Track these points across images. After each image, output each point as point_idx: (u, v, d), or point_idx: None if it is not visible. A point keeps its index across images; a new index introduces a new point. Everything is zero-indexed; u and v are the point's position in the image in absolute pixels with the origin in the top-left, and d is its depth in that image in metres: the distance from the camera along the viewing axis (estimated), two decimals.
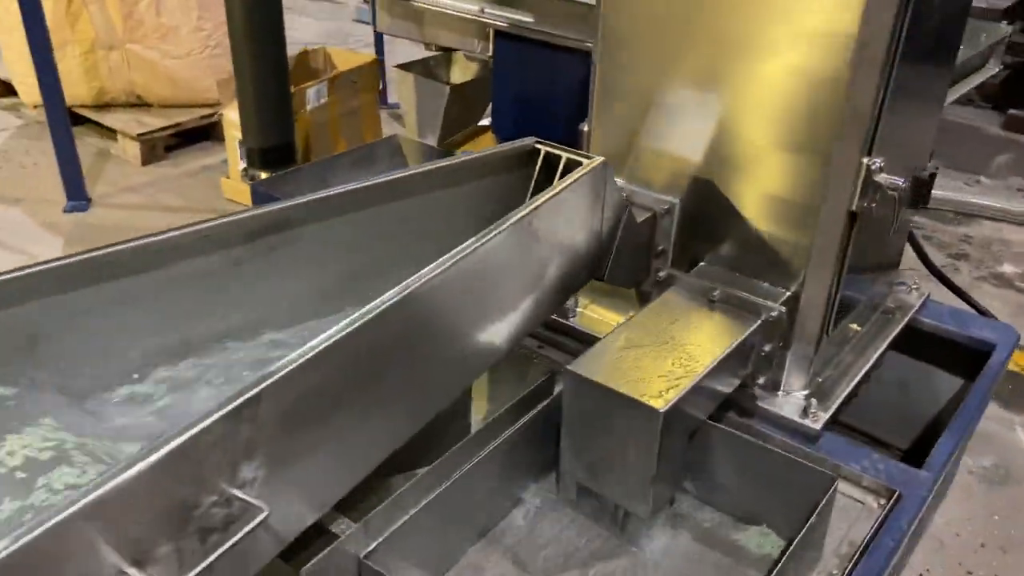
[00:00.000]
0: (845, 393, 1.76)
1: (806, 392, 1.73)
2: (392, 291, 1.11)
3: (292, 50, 4.16)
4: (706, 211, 1.71)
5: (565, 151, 1.57)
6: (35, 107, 4.31)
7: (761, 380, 1.63)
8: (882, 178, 1.51)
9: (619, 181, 1.78)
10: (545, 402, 1.52)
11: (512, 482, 1.52)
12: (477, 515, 1.47)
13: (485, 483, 1.45)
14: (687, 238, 1.76)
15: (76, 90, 4.19)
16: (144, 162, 4.10)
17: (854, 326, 1.89)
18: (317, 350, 0.99)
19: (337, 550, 1.19)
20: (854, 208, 1.55)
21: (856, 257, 1.70)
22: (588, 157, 1.53)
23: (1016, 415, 2.56)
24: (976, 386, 1.89)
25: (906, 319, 2.00)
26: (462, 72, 4.24)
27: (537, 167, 1.58)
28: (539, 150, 1.58)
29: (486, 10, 3.13)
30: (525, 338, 1.55)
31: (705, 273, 1.72)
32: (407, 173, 1.44)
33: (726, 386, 1.56)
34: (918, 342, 2.08)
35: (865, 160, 1.51)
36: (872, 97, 1.45)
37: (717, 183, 1.67)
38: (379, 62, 4.40)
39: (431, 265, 1.17)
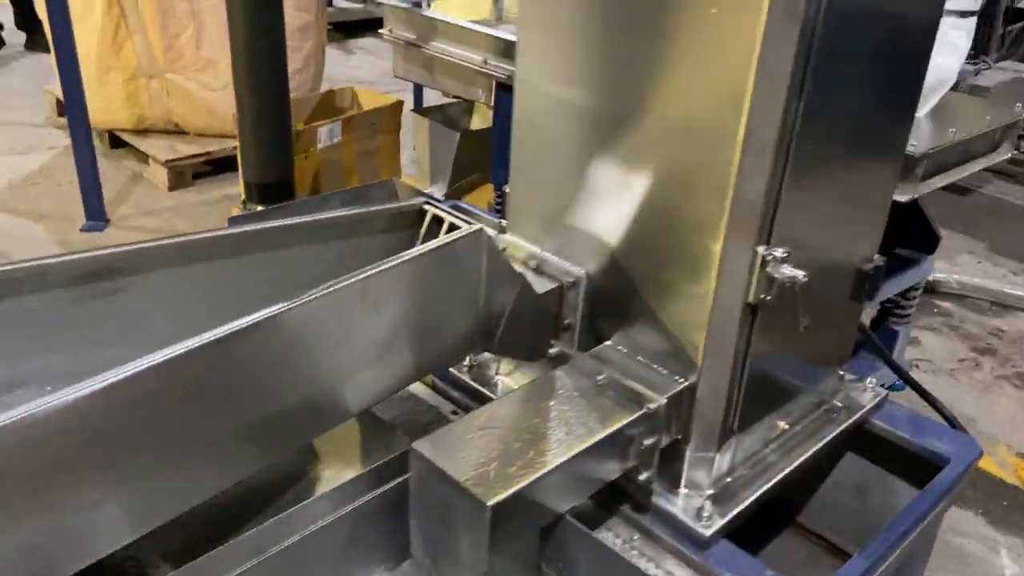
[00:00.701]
0: (752, 498, 1.61)
1: (709, 492, 1.59)
2: (187, 342, 1.06)
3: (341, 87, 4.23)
4: (613, 288, 1.60)
5: (451, 214, 1.50)
6: None
7: (643, 476, 1.50)
8: (780, 270, 1.38)
9: (529, 247, 1.70)
10: (402, 477, 1.44)
11: (356, 563, 1.44)
12: None
13: (319, 558, 1.37)
14: (595, 314, 1.65)
15: (117, 115, 4.36)
16: (171, 187, 4.21)
17: (782, 424, 1.74)
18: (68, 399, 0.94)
19: None
20: (751, 300, 1.42)
21: (778, 349, 1.57)
22: (469, 223, 1.45)
23: (1002, 535, 2.29)
24: (915, 503, 1.71)
25: (851, 420, 1.83)
26: (481, 120, 4.22)
27: (423, 229, 1.52)
28: (426, 211, 1.51)
29: (489, 61, 3.12)
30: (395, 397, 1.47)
31: (602, 354, 1.61)
32: (268, 225, 1.39)
33: (595, 479, 1.44)
34: (873, 446, 1.91)
35: (760, 250, 1.38)
36: (763, 186, 1.34)
37: (622, 260, 1.57)
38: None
39: (239, 321, 1.11)
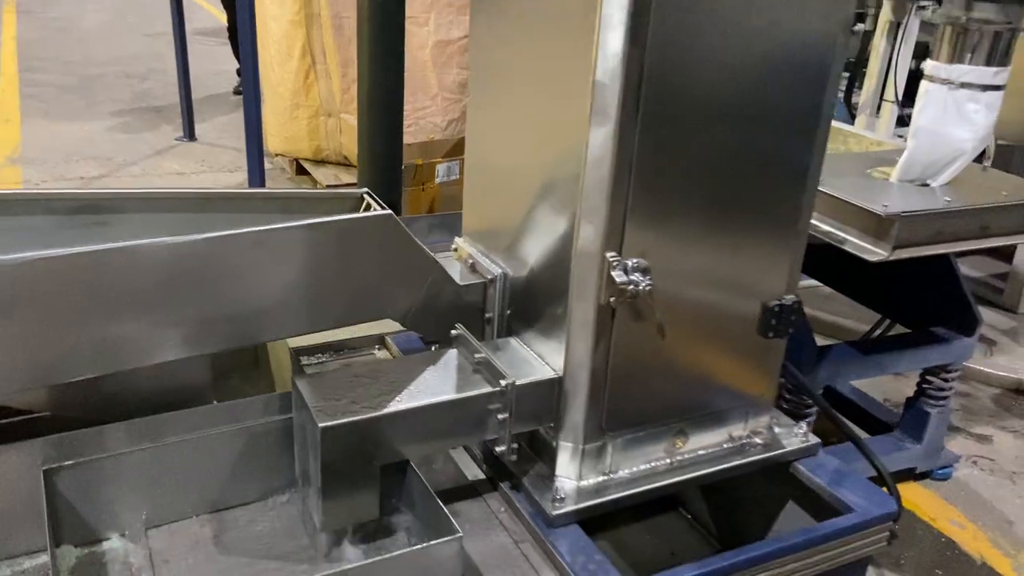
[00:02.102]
0: (615, 496, 1.72)
1: (576, 482, 1.73)
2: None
3: None
4: (523, 288, 1.81)
5: (377, 203, 1.79)
6: (276, 155, 5.28)
7: (499, 448, 1.67)
8: (621, 276, 1.54)
9: (469, 248, 1.95)
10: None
11: (251, 482, 1.72)
12: (207, 486, 1.69)
13: (213, 461, 1.67)
14: (513, 310, 1.86)
15: (301, 145, 5.07)
16: None
17: (679, 442, 1.83)
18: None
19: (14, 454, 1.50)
20: (601, 302, 1.58)
21: (649, 360, 1.70)
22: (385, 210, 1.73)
23: None
24: (798, 532, 1.73)
25: (761, 456, 1.88)
26: None
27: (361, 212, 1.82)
28: (364, 199, 1.82)
29: None
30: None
31: (498, 343, 1.82)
32: (232, 191, 1.76)
33: (444, 435, 1.64)
34: (794, 488, 1.93)
35: (608, 256, 1.55)
36: (604, 201, 1.51)
37: (528, 265, 1.77)
38: None
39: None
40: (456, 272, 1.90)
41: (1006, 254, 4.10)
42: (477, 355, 1.70)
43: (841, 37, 1.61)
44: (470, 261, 1.93)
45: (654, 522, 2.23)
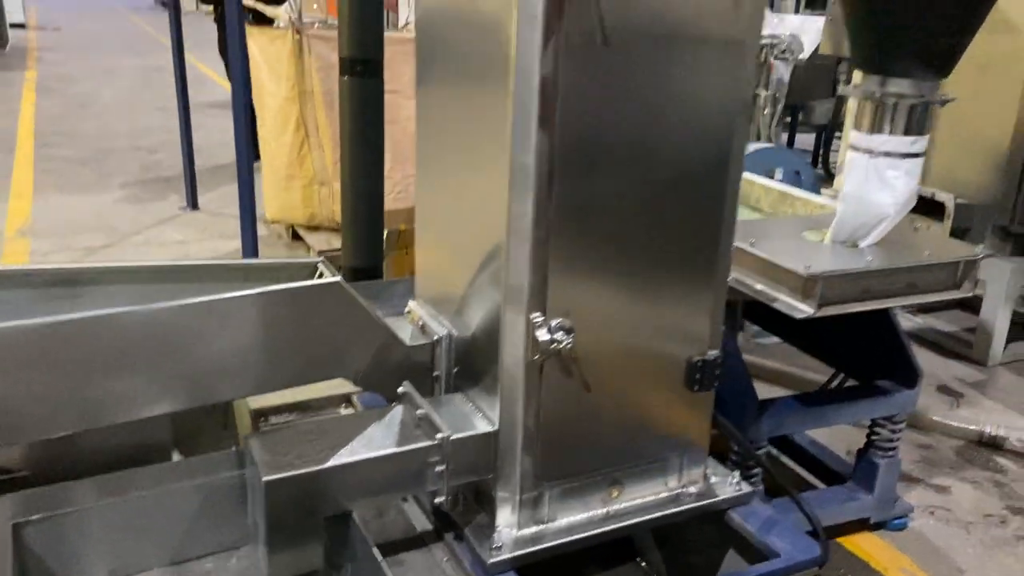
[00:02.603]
0: (552, 544, 1.83)
1: (515, 531, 1.84)
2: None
3: None
4: (468, 347, 1.95)
5: (329, 270, 1.95)
6: (273, 222, 5.50)
7: (438, 500, 1.79)
8: (544, 335, 1.68)
9: (420, 310, 2.09)
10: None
11: (219, 526, 1.85)
12: (169, 539, 1.81)
13: (180, 510, 1.80)
14: (459, 369, 2.00)
15: (296, 213, 5.29)
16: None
17: (615, 491, 1.94)
18: None
19: None
20: (528, 359, 1.71)
21: (579, 413, 1.82)
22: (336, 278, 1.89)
23: None
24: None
25: (694, 505, 1.99)
26: None
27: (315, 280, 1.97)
28: (318, 268, 1.98)
29: None
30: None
31: (443, 399, 1.95)
32: (189, 263, 1.92)
33: (386, 487, 1.77)
34: (728, 534, 2.03)
35: (532, 316, 1.69)
36: (527, 261, 1.66)
37: (471, 325, 1.92)
38: None
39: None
40: (407, 333, 2.05)
41: (975, 307, 4.21)
42: (419, 411, 1.83)
43: (741, 115, 1.78)
44: (421, 323, 2.08)
45: (615, 573, 2.32)
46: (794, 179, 4.45)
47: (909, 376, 2.60)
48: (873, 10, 2.21)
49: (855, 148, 2.35)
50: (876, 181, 2.31)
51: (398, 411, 1.88)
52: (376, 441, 1.77)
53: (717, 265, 1.86)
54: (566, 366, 1.75)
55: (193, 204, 6.17)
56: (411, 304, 2.16)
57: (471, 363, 1.94)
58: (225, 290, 1.75)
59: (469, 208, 1.86)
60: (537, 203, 1.63)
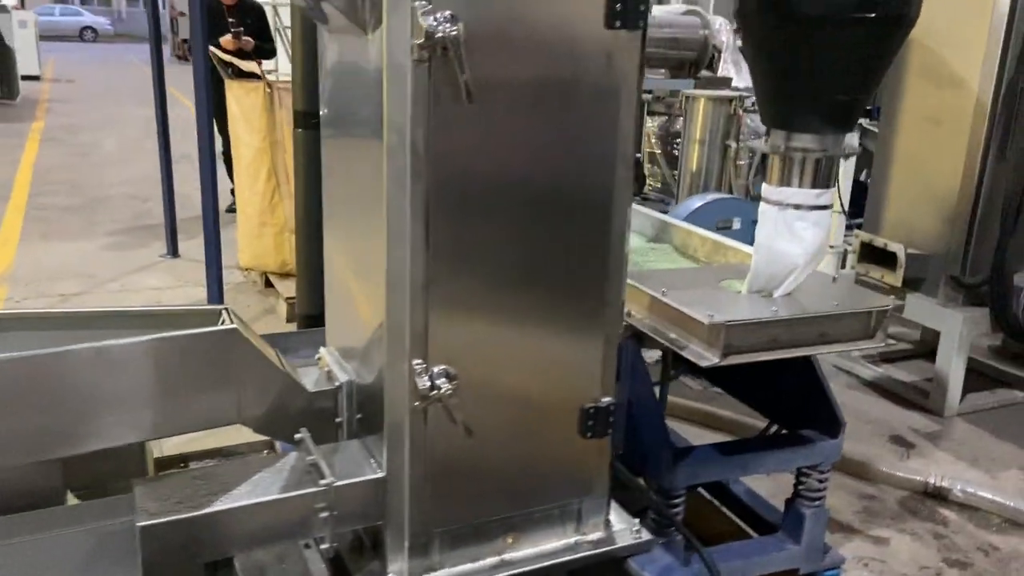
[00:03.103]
0: None
1: None
2: None
3: None
4: (366, 394, 1.99)
5: (233, 317, 1.99)
6: (247, 270, 5.59)
7: (324, 546, 1.81)
8: (424, 380, 1.71)
9: (328, 356, 2.14)
10: None
11: (108, 573, 1.86)
12: None
13: (67, 556, 1.82)
14: (362, 414, 2.03)
15: (268, 260, 5.38)
16: (288, 319, 5.07)
17: (510, 538, 1.95)
18: None
19: None
20: (410, 405, 1.75)
21: (468, 460, 1.85)
22: (232, 326, 1.93)
23: None
24: None
25: (591, 552, 2.00)
26: None
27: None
28: (221, 315, 2.03)
29: None
30: None
31: (334, 446, 1.98)
32: (88, 310, 1.97)
33: (271, 533, 1.79)
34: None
35: (414, 363, 1.73)
36: (406, 310, 1.70)
37: (367, 369, 1.96)
38: None
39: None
40: (313, 380, 2.09)
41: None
42: (309, 457, 1.86)
43: (622, 163, 1.83)
44: (327, 369, 2.12)
45: None
46: (752, 228, 4.49)
47: (831, 425, 2.61)
48: (774, 68, 2.27)
49: (766, 200, 2.40)
50: (785, 233, 2.35)
51: (291, 457, 1.91)
52: (262, 487, 1.80)
53: (604, 313, 1.90)
54: (452, 412, 1.78)
55: (174, 252, 6.27)
56: (322, 351, 2.20)
57: (367, 410, 1.97)
58: (125, 336, 1.80)
59: (361, 256, 1.91)
60: (413, 251, 1.68)
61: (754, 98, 6.30)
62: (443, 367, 1.74)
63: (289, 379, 1.98)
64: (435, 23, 1.53)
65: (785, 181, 2.35)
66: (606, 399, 1.94)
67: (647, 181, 7.68)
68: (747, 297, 2.42)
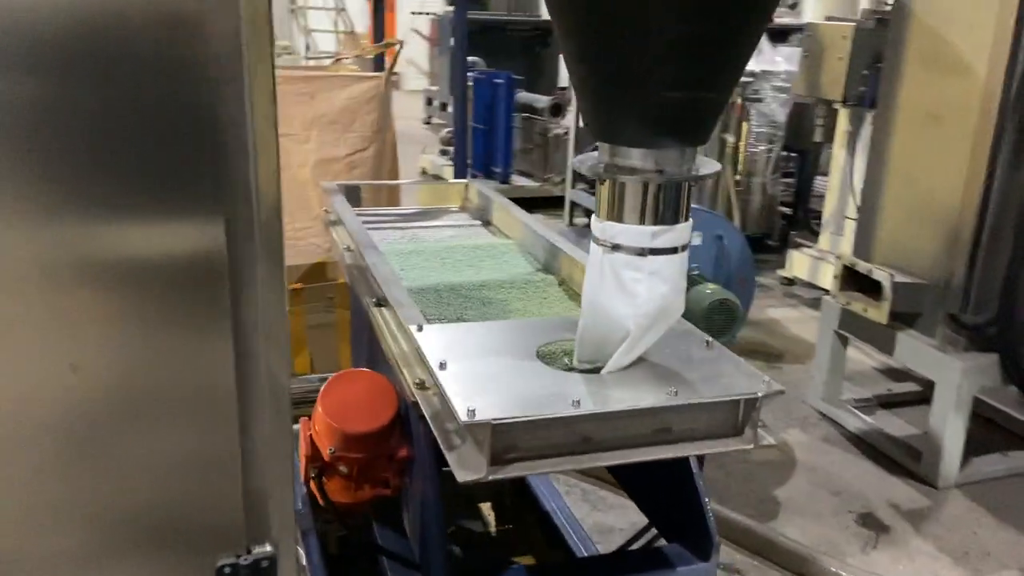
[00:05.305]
0: None
1: None
2: None
3: None
4: None
5: None
6: None
7: None
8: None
9: None
10: None
11: None
12: None
13: None
14: None
15: None
16: None
17: None
18: None
19: None
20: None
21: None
22: None
23: None
24: None
25: None
26: None
27: None
28: None
29: None
30: None
31: None
32: None
33: None
34: None
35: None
36: None
37: None
38: None
39: None
40: None
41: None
42: None
43: None
44: None
45: None
46: (715, 244, 3.75)
47: (703, 545, 1.92)
48: (586, 55, 1.58)
49: (594, 239, 1.71)
50: (612, 284, 1.66)
51: None
52: None
53: None
54: None
55: None
56: None
57: None
58: None
59: None
60: None
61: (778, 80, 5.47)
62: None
63: None
64: None
65: (615, 214, 1.66)
66: (260, 549, 1.31)
67: None
68: (562, 375, 1.73)
